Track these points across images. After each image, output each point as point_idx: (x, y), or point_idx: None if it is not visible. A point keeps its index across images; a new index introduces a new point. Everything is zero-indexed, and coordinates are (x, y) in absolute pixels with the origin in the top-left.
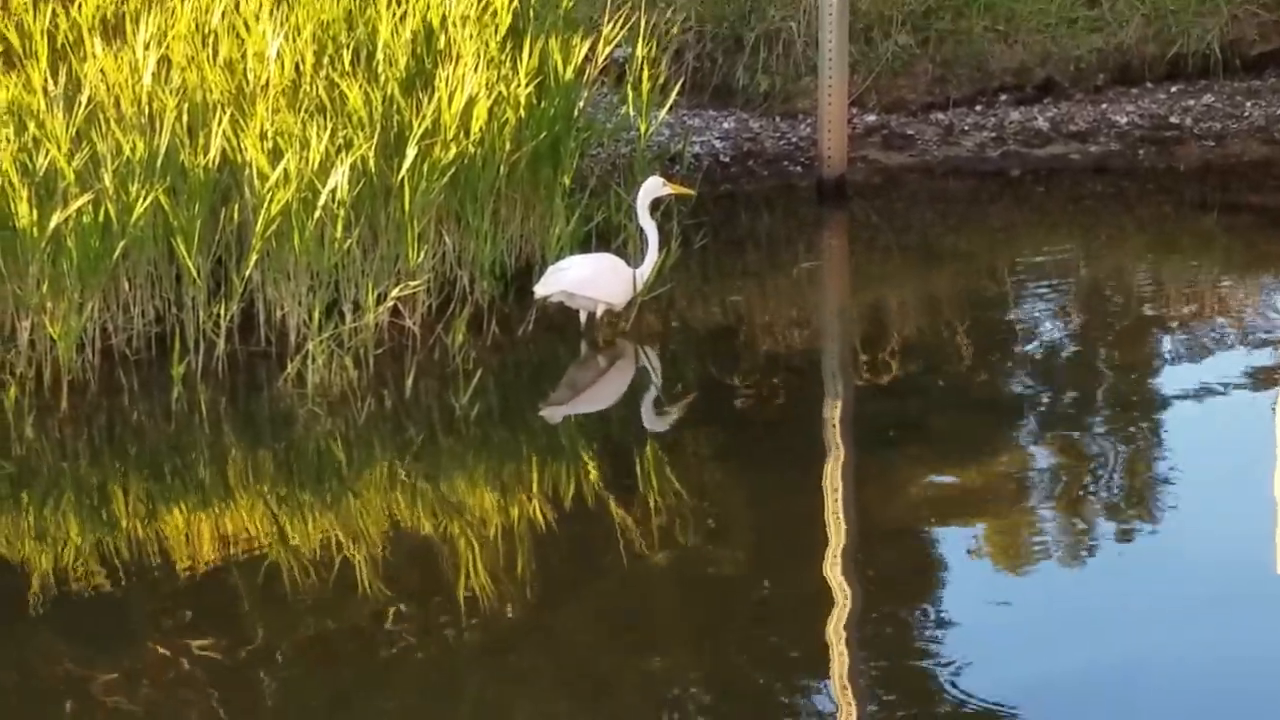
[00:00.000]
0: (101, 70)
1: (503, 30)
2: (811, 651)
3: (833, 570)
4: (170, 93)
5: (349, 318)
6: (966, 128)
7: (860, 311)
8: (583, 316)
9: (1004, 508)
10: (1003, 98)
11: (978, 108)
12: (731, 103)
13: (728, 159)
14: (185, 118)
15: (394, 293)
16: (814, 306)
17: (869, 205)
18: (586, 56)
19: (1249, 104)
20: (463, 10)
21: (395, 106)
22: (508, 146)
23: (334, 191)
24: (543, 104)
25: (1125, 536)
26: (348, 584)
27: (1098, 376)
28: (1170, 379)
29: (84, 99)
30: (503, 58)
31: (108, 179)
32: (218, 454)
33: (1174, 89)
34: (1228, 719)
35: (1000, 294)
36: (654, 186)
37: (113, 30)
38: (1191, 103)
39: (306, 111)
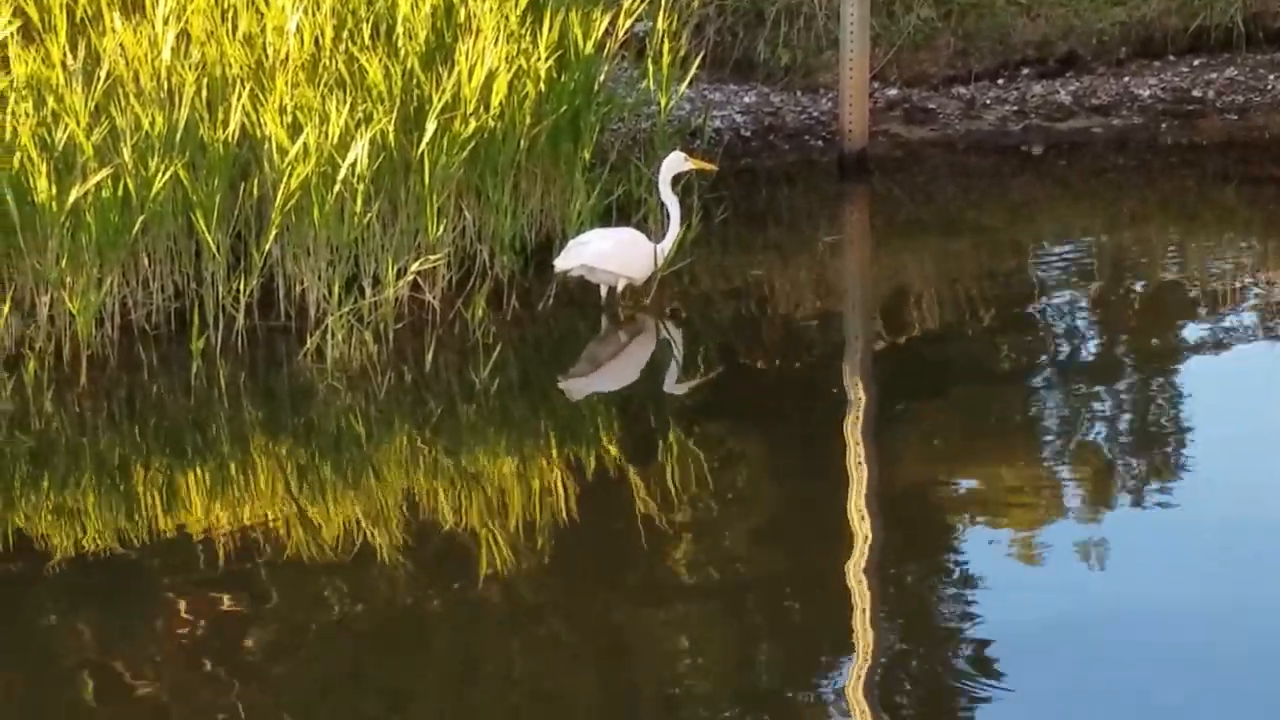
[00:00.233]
0: (120, 45)
1: (523, 4)
2: (833, 621)
3: (854, 569)
4: (189, 67)
5: (369, 292)
6: (988, 101)
7: (881, 285)
8: (603, 291)
9: (1025, 481)
10: (1025, 71)
11: (999, 81)
12: (752, 77)
13: (748, 133)
14: (204, 92)
15: (414, 267)
16: (835, 280)
17: (890, 179)
18: (607, 30)
19: (1271, 77)
20: None
21: (415, 80)
22: (528, 121)
23: (353, 166)
24: (563, 78)
25: (1145, 500)
26: (368, 557)
27: (1118, 348)
28: (1191, 349)
29: (103, 73)
30: (523, 31)
31: (127, 154)
32: (237, 429)
33: (1196, 62)
34: (1243, 667)
35: (1021, 268)
36: (676, 162)
37: (131, 4)
38: (1214, 76)
39: (326, 86)
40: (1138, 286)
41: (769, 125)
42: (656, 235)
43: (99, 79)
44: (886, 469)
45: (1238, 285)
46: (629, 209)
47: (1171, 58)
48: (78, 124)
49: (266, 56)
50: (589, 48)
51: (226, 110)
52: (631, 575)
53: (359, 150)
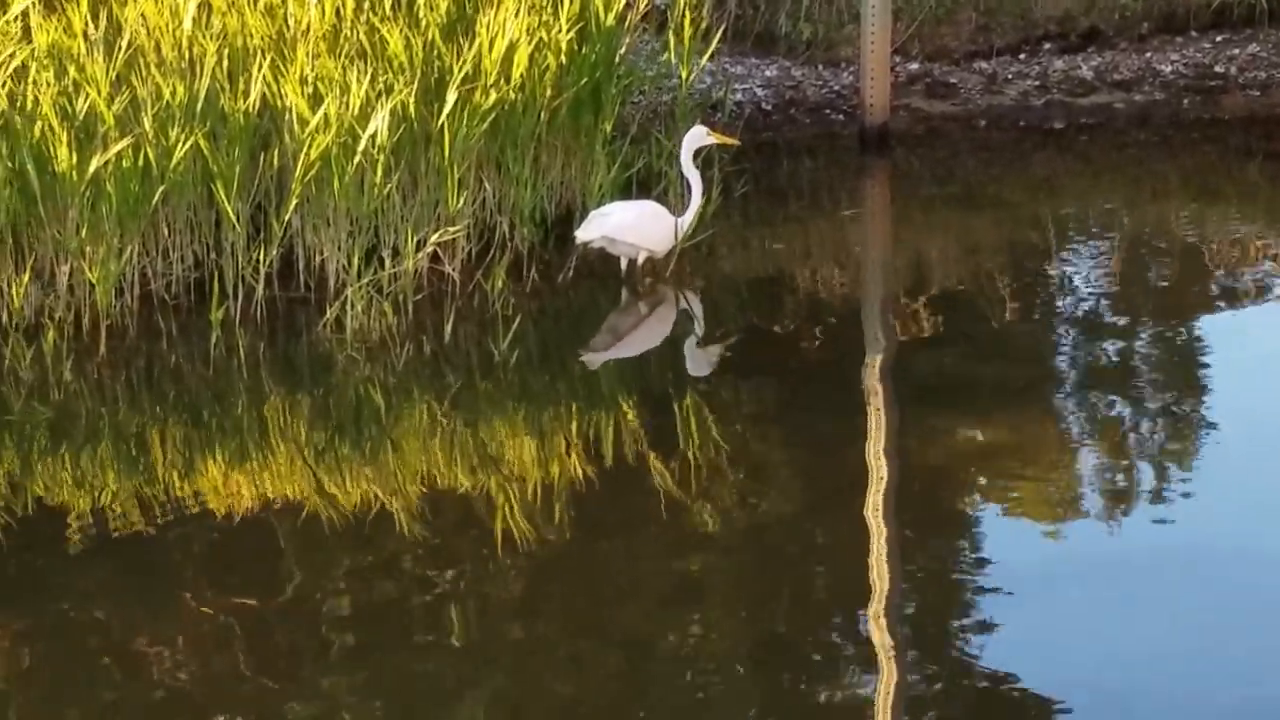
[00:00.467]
0: (142, 14)
1: None
2: (852, 594)
3: (873, 515)
4: (210, 37)
5: (388, 263)
6: (1010, 76)
7: (902, 260)
8: (623, 263)
9: (1045, 455)
10: (1047, 46)
11: (1021, 56)
12: (774, 50)
13: (770, 107)
14: (225, 62)
15: (433, 238)
16: (855, 254)
17: (911, 154)
18: (628, 2)
19: None
20: None
21: (436, 51)
22: (548, 92)
23: (374, 137)
24: (584, 50)
25: (1167, 485)
26: (386, 529)
27: (1140, 325)
28: (1213, 329)
29: (124, 43)
30: (544, 3)
31: (147, 123)
32: (256, 399)
33: (1219, 38)
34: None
35: (1043, 243)
36: (698, 136)
37: None
38: (1236, 52)
39: (347, 56)
40: (1159, 261)
41: (790, 99)
42: (677, 208)
43: (120, 48)
44: (905, 449)
45: (1260, 260)
46: (649, 182)
47: (1194, 33)
48: (99, 93)
49: (288, 27)
50: (610, 20)
51: (247, 80)
52: (652, 545)
53: (379, 121)
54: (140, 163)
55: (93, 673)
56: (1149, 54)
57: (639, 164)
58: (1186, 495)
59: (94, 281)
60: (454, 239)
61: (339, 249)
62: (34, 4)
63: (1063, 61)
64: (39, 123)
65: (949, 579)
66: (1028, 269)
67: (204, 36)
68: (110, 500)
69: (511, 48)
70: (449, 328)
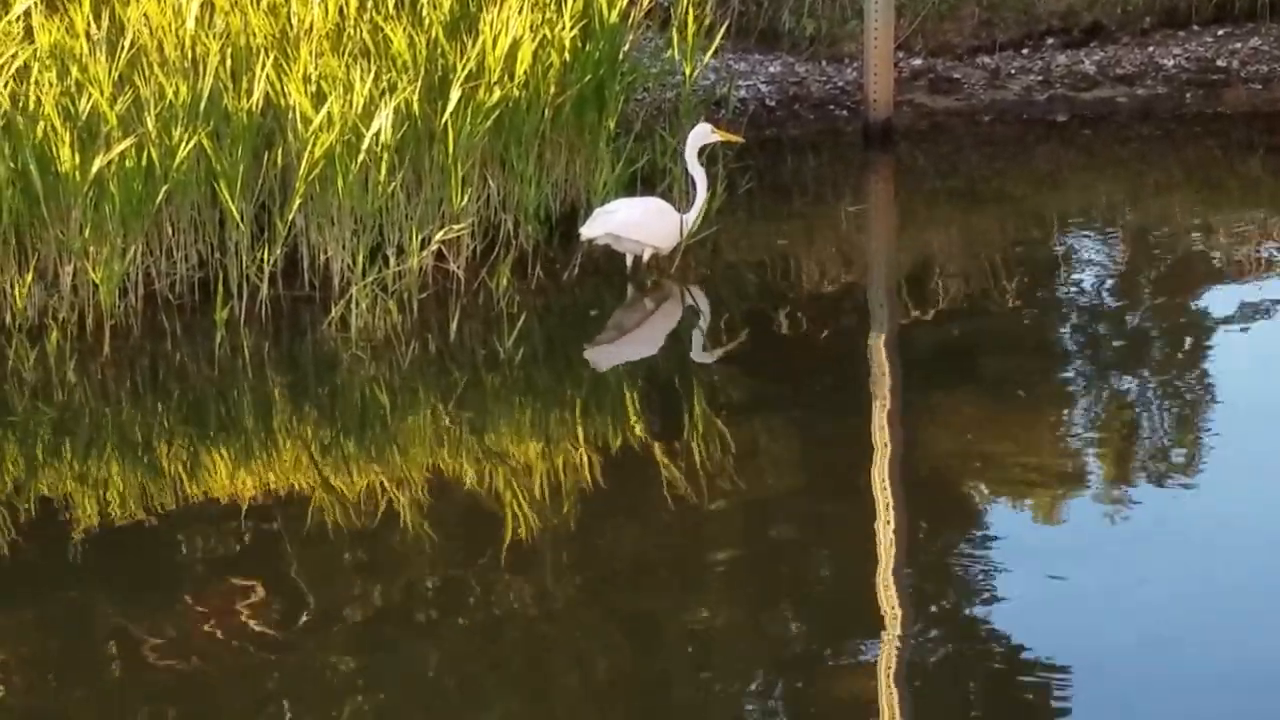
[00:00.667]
0: (144, 14)
1: None
2: (857, 591)
3: (881, 505)
4: (213, 36)
5: (393, 262)
6: (1013, 71)
7: (906, 254)
8: (628, 260)
9: (1049, 438)
10: (1049, 41)
11: (1024, 51)
12: (777, 46)
13: (773, 103)
14: (229, 61)
15: (438, 236)
16: (860, 250)
17: (915, 149)
18: None
19: None
20: None
21: (439, 49)
22: (552, 90)
23: (378, 135)
24: (587, 47)
25: (1170, 467)
26: (392, 527)
27: (1143, 318)
28: (1215, 321)
29: (127, 43)
30: (547, 0)
31: (150, 123)
32: (261, 398)
33: (1221, 32)
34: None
35: (1046, 237)
36: (703, 133)
37: None
38: (1238, 46)
39: (350, 55)
40: (1162, 256)
41: (794, 95)
42: (682, 205)
43: (123, 48)
44: (912, 433)
45: (1264, 255)
46: (653, 179)
47: (1196, 27)
48: (101, 93)
49: (291, 26)
50: (614, 16)
51: (250, 80)
52: (660, 535)
53: (383, 119)
54: (143, 162)
55: (98, 670)
56: (1151, 48)
57: (643, 161)
58: (1189, 475)
59: (98, 281)
60: (458, 237)
61: (343, 247)
62: (36, 4)
63: (1065, 56)
64: (42, 123)
65: (953, 556)
66: (1031, 262)
67: (207, 36)
68: (114, 500)
69: (515, 45)
70: (454, 326)
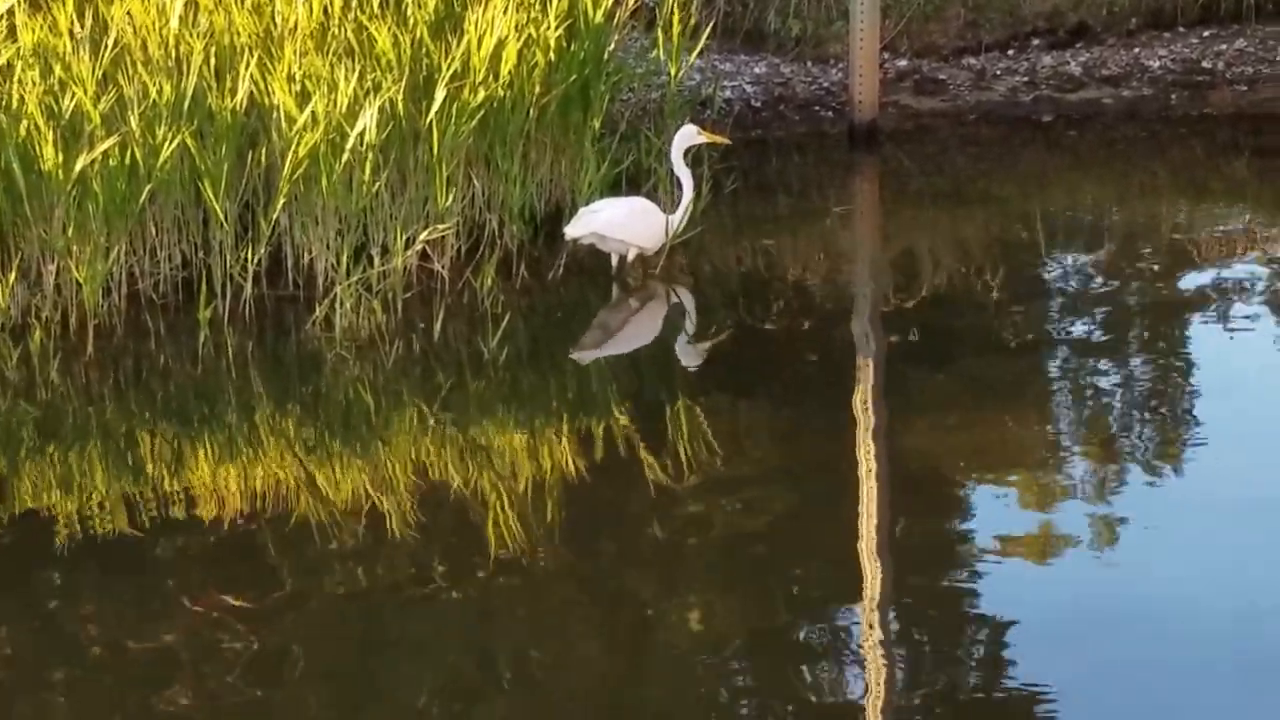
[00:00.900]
0: (128, 13)
1: None
2: (843, 591)
3: (864, 514)
4: (197, 35)
5: (377, 261)
6: (999, 72)
7: (891, 255)
8: (613, 260)
9: (1034, 447)
10: (1035, 42)
11: (1010, 52)
12: (763, 47)
13: (759, 104)
14: (212, 60)
15: (422, 236)
16: (845, 251)
17: (900, 150)
18: None
19: None
20: None
21: (424, 49)
22: (537, 90)
23: (362, 135)
24: (573, 47)
25: (1155, 474)
26: (377, 528)
27: (1128, 319)
28: (1200, 322)
29: (110, 41)
30: (532, 0)
31: (134, 122)
32: (245, 398)
33: (1206, 33)
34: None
35: (1031, 238)
36: (689, 135)
37: None
38: (1224, 47)
39: (335, 54)
40: (1147, 256)
41: (779, 96)
42: (667, 206)
43: (106, 47)
44: (895, 429)
45: (1247, 256)
46: (639, 179)
47: (1181, 29)
48: (85, 92)
49: (275, 25)
50: (599, 16)
51: (234, 79)
52: (643, 539)
53: (368, 119)
54: (127, 161)
55: (80, 673)
56: (1137, 49)
57: (628, 161)
58: (1168, 461)
59: (81, 281)
60: (443, 236)
61: (327, 247)
62: (19, 3)
63: (1051, 57)
64: (25, 122)
65: (940, 556)
66: (1015, 263)
67: (191, 35)
68: (98, 500)
69: (500, 45)
70: (438, 325)
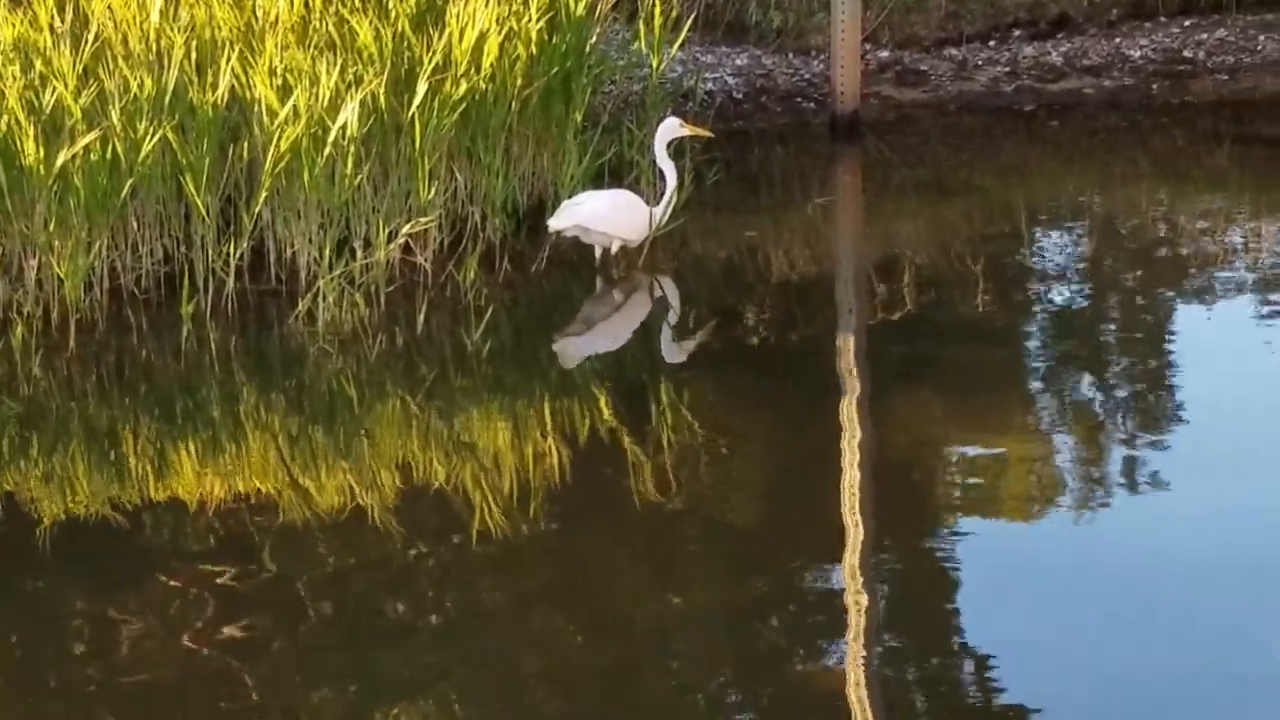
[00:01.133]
0: (109, 7)
1: None
2: (824, 584)
3: (848, 501)
4: (178, 29)
5: (360, 255)
6: (980, 63)
7: (873, 245)
8: (597, 252)
9: (1016, 439)
10: (1016, 33)
11: (991, 43)
12: (744, 39)
13: (741, 95)
14: (193, 54)
15: (405, 229)
16: (827, 242)
17: (882, 141)
18: None
19: (1262, 37)
20: None
21: (406, 42)
22: (519, 82)
23: (344, 128)
24: (554, 40)
25: (1138, 467)
26: (361, 521)
27: (1110, 310)
28: (1183, 311)
29: (91, 36)
30: None
31: (115, 116)
32: (228, 393)
33: (1187, 23)
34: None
35: (1014, 229)
36: (672, 127)
37: None
38: (1205, 36)
39: (316, 48)
40: (1129, 247)
41: (761, 87)
42: (650, 198)
43: (87, 41)
44: (878, 434)
45: (1229, 245)
46: (621, 171)
47: (1163, 19)
48: (65, 87)
49: (256, 18)
50: (580, 9)
51: (216, 73)
52: (627, 525)
53: (349, 112)
54: (108, 156)
55: (64, 669)
56: (1118, 39)
57: (610, 153)
58: (1151, 460)
59: (62, 276)
60: (426, 230)
61: (310, 241)
62: None
63: (1032, 48)
64: (5, 116)
65: (921, 545)
66: (998, 253)
67: (171, 29)
68: (80, 496)
69: (482, 38)
70: (421, 318)
